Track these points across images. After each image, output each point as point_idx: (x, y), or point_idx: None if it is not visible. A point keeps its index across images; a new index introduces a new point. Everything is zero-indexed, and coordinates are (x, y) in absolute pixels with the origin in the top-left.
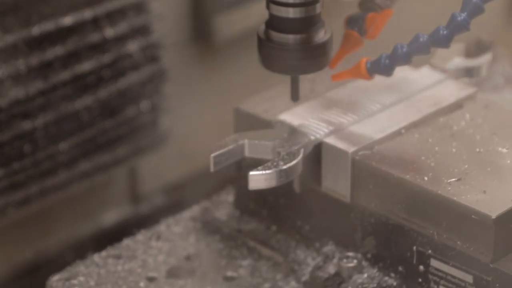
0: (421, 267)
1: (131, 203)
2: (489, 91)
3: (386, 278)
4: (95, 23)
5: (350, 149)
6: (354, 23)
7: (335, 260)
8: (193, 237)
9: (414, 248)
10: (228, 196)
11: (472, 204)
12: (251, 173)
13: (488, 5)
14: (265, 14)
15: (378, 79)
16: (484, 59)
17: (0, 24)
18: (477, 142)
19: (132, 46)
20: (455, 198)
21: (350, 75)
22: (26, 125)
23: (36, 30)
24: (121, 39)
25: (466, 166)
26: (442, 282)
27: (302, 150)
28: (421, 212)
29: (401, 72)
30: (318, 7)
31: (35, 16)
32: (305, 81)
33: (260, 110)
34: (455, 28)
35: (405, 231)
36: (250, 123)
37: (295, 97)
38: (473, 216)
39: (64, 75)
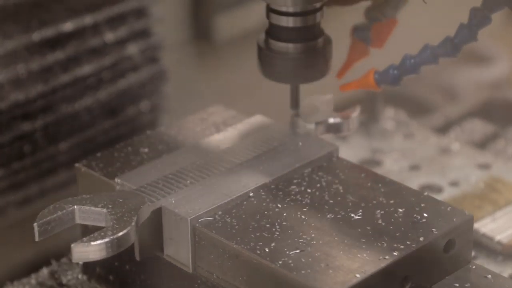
0: None
1: None
2: (378, 137)
3: None
4: (95, 28)
5: (190, 215)
6: (360, 33)
7: None
8: None
9: None
10: None
11: (310, 280)
12: (74, 245)
13: None
14: (264, 15)
15: (233, 133)
16: (351, 114)
17: (1, 30)
18: (330, 207)
19: (132, 49)
20: (294, 273)
21: (358, 86)
22: (26, 126)
23: (36, 36)
24: (121, 42)
25: (313, 235)
26: None
27: (135, 218)
28: (262, 286)
29: (260, 125)
30: (318, 16)
31: (35, 22)
32: None
33: (102, 169)
34: (463, 38)
35: None
36: (90, 182)
37: (295, 106)
38: None
39: (64, 78)
